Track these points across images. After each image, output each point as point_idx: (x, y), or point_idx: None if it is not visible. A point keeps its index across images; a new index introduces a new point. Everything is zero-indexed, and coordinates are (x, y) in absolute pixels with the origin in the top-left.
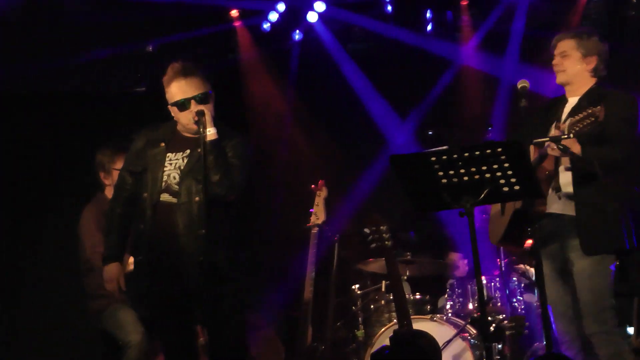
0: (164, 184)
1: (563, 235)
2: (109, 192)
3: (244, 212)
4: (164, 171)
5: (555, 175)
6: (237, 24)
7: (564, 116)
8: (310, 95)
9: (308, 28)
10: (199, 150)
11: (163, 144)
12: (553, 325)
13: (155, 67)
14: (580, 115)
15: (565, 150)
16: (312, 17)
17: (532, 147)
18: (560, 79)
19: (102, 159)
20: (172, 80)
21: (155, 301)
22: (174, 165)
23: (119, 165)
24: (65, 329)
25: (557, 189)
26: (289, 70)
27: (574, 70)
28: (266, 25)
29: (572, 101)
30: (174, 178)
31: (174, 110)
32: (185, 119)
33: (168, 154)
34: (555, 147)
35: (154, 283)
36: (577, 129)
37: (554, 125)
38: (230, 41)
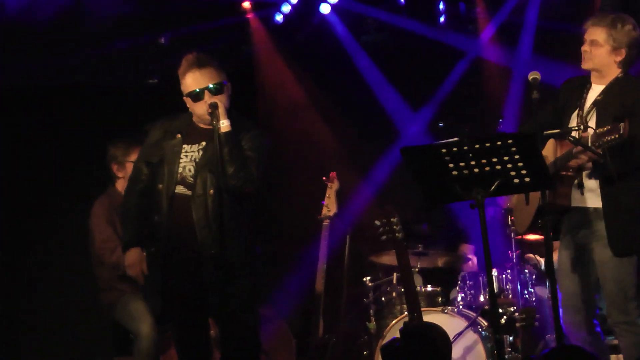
0: (179, 176)
1: (587, 225)
2: (121, 186)
3: (261, 205)
4: (179, 163)
5: (579, 173)
6: (249, 15)
7: (587, 105)
8: (324, 87)
9: (320, 20)
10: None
11: (179, 136)
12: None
13: (168, 60)
14: (604, 128)
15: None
16: (325, 8)
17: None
18: (586, 65)
19: (116, 152)
20: (186, 71)
21: (169, 294)
22: (189, 157)
23: (133, 157)
24: (74, 325)
25: (580, 185)
26: (302, 62)
27: (602, 61)
28: (279, 17)
29: (596, 89)
30: (190, 170)
31: (188, 102)
32: (200, 110)
33: (184, 146)
34: (577, 160)
35: (168, 276)
36: (601, 143)
37: (576, 112)
38: (243, 33)
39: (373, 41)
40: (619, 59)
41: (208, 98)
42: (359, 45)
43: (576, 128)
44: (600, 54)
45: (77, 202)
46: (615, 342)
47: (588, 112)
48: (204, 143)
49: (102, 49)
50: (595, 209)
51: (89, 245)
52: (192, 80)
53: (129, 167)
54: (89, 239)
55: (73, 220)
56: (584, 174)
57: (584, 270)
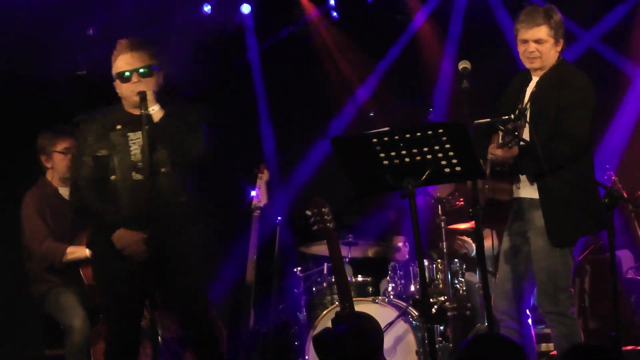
0: (131, 163)
1: (524, 215)
2: (50, 176)
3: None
4: (129, 151)
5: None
6: None
7: (526, 97)
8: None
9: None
10: (147, 126)
11: (120, 126)
12: None
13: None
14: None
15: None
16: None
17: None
18: (535, 65)
19: (43, 142)
20: (119, 54)
21: (123, 284)
22: (137, 143)
23: (59, 147)
24: (4, 317)
25: (516, 180)
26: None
27: (550, 55)
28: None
29: (534, 81)
30: (139, 156)
31: (117, 84)
32: (127, 91)
33: (129, 134)
34: (496, 155)
35: (124, 266)
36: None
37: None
38: None
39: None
40: (559, 49)
41: (135, 79)
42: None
43: (506, 117)
44: (548, 50)
45: (6, 193)
46: (547, 331)
47: (526, 104)
48: (147, 127)
49: (29, 39)
50: (531, 199)
51: (20, 237)
52: (123, 62)
53: (56, 157)
54: (20, 231)
55: (3, 212)
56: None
57: (517, 259)
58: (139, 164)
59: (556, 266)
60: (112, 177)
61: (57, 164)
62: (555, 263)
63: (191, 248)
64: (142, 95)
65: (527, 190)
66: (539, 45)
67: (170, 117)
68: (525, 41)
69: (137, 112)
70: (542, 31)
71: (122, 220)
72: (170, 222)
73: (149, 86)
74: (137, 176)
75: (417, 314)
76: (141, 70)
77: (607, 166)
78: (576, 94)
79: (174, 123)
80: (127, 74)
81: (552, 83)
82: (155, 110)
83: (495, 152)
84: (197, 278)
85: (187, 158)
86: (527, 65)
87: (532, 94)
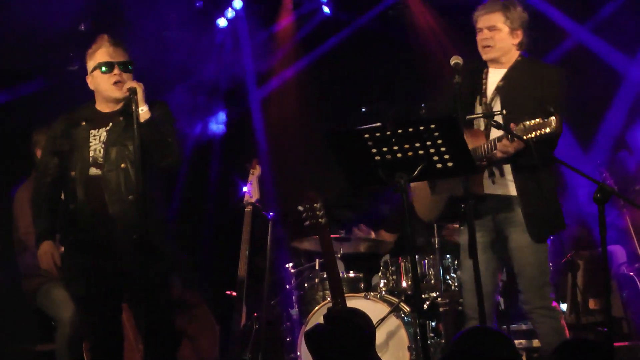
0: (90, 159)
1: (502, 212)
2: None
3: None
4: (89, 147)
5: (492, 163)
6: None
7: (489, 90)
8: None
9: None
10: (121, 119)
11: (84, 123)
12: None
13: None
14: (534, 121)
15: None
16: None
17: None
18: (489, 55)
19: (38, 137)
20: (98, 48)
21: (90, 278)
22: (97, 139)
23: None
24: None
25: (492, 174)
26: None
27: (504, 45)
28: None
29: (496, 73)
30: (99, 152)
31: (95, 76)
32: (106, 83)
33: (91, 131)
34: (506, 150)
35: (87, 260)
36: (534, 136)
37: (477, 100)
38: None
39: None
40: (516, 41)
41: (117, 71)
42: None
43: (498, 112)
44: (502, 38)
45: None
46: (523, 327)
47: (492, 99)
48: (110, 124)
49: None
50: (509, 196)
51: (12, 231)
52: (103, 54)
53: None
54: (13, 225)
55: None
56: (496, 164)
57: (488, 256)
58: (100, 159)
59: (541, 260)
60: (72, 173)
61: None
62: (540, 257)
63: (140, 246)
64: (133, 91)
65: (504, 187)
66: (492, 32)
67: (155, 121)
68: (480, 30)
69: (107, 108)
70: (496, 17)
71: (79, 216)
72: (113, 223)
73: (139, 86)
74: (93, 171)
75: (409, 309)
76: (123, 64)
77: (599, 162)
78: (554, 83)
79: (157, 127)
80: (108, 64)
81: (519, 76)
82: (145, 111)
83: (509, 148)
84: (149, 277)
85: (164, 162)
86: (483, 56)
87: (499, 88)
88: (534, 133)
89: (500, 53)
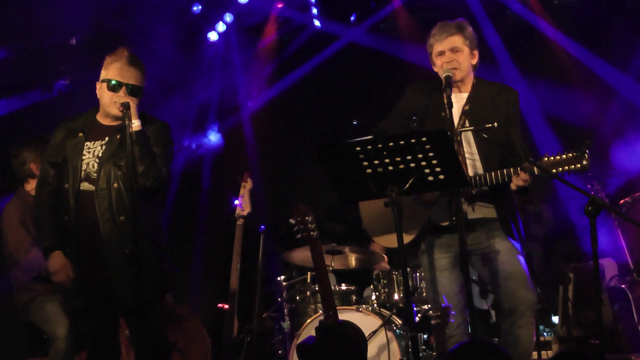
0: (83, 172)
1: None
2: (30, 186)
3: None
4: (82, 160)
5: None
6: None
7: (456, 115)
8: None
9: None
10: (118, 136)
11: (81, 134)
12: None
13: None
14: (565, 155)
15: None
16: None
17: None
18: (458, 76)
19: (28, 154)
20: (115, 61)
21: (87, 291)
22: (92, 153)
23: None
24: None
25: (471, 199)
26: None
27: (466, 66)
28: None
29: (459, 97)
30: (93, 166)
31: (101, 88)
32: (108, 99)
33: (86, 143)
34: (524, 184)
35: (84, 273)
36: (561, 170)
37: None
38: None
39: None
40: (474, 61)
41: (123, 94)
42: None
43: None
44: (464, 59)
45: None
46: None
47: (461, 124)
48: (107, 138)
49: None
50: (486, 218)
51: (2, 246)
52: (117, 70)
53: None
54: (2, 241)
55: None
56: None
57: (456, 274)
58: (93, 174)
59: (523, 262)
60: (66, 185)
61: None
62: (522, 259)
63: (131, 262)
64: (126, 105)
65: (483, 211)
66: (455, 54)
67: (145, 135)
68: (442, 52)
69: (106, 122)
70: (456, 40)
71: (72, 228)
72: (103, 240)
73: (133, 102)
74: (85, 186)
75: (400, 322)
76: (132, 87)
77: (590, 174)
78: (516, 110)
79: (147, 141)
80: (116, 84)
81: (486, 98)
82: (136, 124)
83: (526, 183)
84: (141, 292)
85: (145, 181)
86: (453, 77)
87: (466, 112)
88: (565, 167)
89: (465, 74)
